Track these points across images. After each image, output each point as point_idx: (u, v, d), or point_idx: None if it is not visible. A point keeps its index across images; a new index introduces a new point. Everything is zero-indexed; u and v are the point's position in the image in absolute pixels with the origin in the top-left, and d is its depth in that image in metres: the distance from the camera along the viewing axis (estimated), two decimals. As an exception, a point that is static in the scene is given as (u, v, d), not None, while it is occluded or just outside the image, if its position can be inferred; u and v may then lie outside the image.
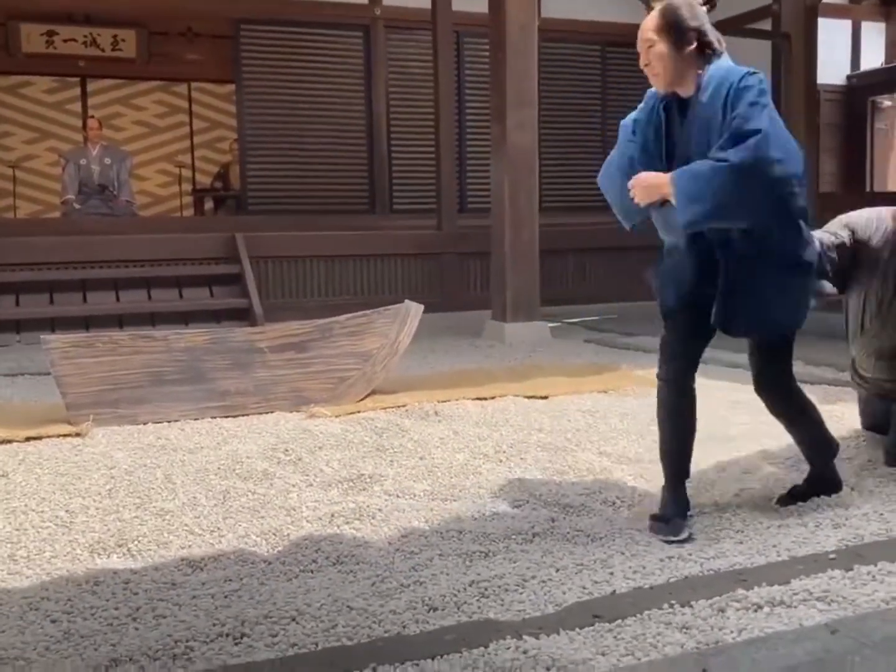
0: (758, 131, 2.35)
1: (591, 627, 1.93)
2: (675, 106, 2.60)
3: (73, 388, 3.98)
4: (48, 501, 2.94)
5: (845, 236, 3.14)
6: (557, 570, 2.26)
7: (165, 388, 4.12)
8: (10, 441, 3.68)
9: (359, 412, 4.16)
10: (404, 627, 1.97)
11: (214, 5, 8.59)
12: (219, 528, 2.72)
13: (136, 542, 2.60)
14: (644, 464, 3.23)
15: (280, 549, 2.56)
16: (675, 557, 2.31)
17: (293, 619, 2.02)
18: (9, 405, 4.55)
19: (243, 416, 4.14)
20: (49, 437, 3.75)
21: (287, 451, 3.52)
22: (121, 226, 7.84)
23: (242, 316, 7.13)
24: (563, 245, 8.43)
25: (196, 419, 4.08)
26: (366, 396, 4.42)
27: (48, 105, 10.72)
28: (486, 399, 4.37)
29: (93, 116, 9.14)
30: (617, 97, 9.78)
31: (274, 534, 2.66)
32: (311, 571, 2.37)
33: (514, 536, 2.57)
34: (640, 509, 2.78)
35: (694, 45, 2.52)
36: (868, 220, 3.19)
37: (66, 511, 2.85)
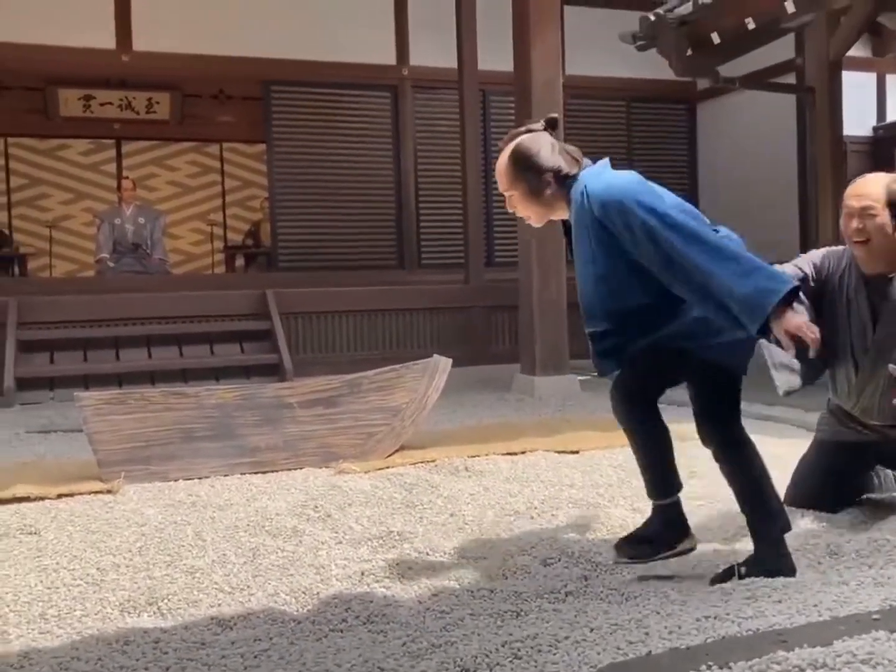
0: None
1: (626, 690, 1.88)
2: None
3: (105, 445, 4.01)
4: (79, 559, 2.95)
5: (808, 271, 3.08)
6: (591, 630, 2.21)
7: (196, 445, 4.14)
8: (42, 498, 3.70)
9: (388, 468, 4.14)
10: (436, 690, 1.94)
11: (245, 68, 8.81)
12: (248, 587, 2.70)
13: (166, 601, 2.58)
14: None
15: (310, 607, 2.53)
16: (711, 617, 2.25)
17: (323, 681, 1.99)
18: (42, 462, 4.59)
19: (273, 472, 4.14)
20: (81, 493, 3.77)
21: (316, 507, 3.51)
22: (154, 284, 7.97)
23: (273, 371, 7.18)
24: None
25: (226, 475, 4.08)
26: (395, 452, 4.40)
27: (84, 166, 11.01)
28: (516, 454, 4.34)
29: (127, 177, 9.36)
30: (643, 151, 9.87)
31: (304, 592, 2.64)
32: (342, 631, 2.34)
33: (546, 595, 2.53)
34: (675, 568, 2.73)
35: (553, 186, 2.51)
36: (824, 255, 3.14)
37: (98, 569, 2.85)
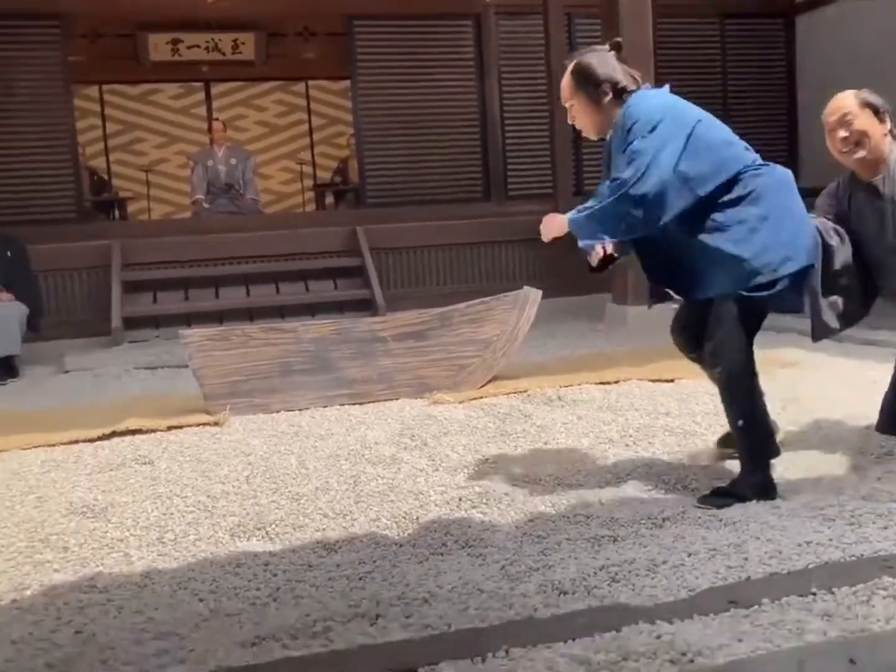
0: (615, 181, 2.57)
1: (727, 613, 1.89)
2: None
3: (210, 380, 4.17)
4: (191, 487, 3.10)
5: (833, 212, 3.07)
6: (689, 555, 2.22)
7: (295, 378, 4.26)
8: (153, 430, 3.89)
9: (481, 398, 4.19)
10: (535, 610, 1.98)
11: (328, 3, 8.75)
12: (351, 512, 2.80)
13: (273, 526, 2.70)
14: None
15: (410, 532, 2.61)
16: (813, 543, 2.23)
17: (426, 601, 2.06)
18: (151, 397, 4.81)
19: (370, 403, 4.24)
20: (189, 426, 3.95)
21: (413, 436, 3.59)
22: (248, 223, 8.12)
23: (365, 306, 7.29)
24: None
25: (325, 406, 4.21)
26: (487, 383, 4.45)
27: (175, 110, 11.21)
28: (609, 383, 4.32)
29: (217, 119, 9.49)
30: (738, 71, 9.44)
31: (404, 517, 2.72)
32: (441, 554, 2.41)
33: (643, 521, 2.54)
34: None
35: (610, 96, 2.68)
36: (825, 196, 3.15)
37: (208, 496, 2.99)
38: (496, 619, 1.96)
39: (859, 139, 2.92)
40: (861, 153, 2.93)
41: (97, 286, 7.10)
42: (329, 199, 11.00)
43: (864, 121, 2.93)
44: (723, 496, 2.65)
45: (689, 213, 2.59)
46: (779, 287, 2.60)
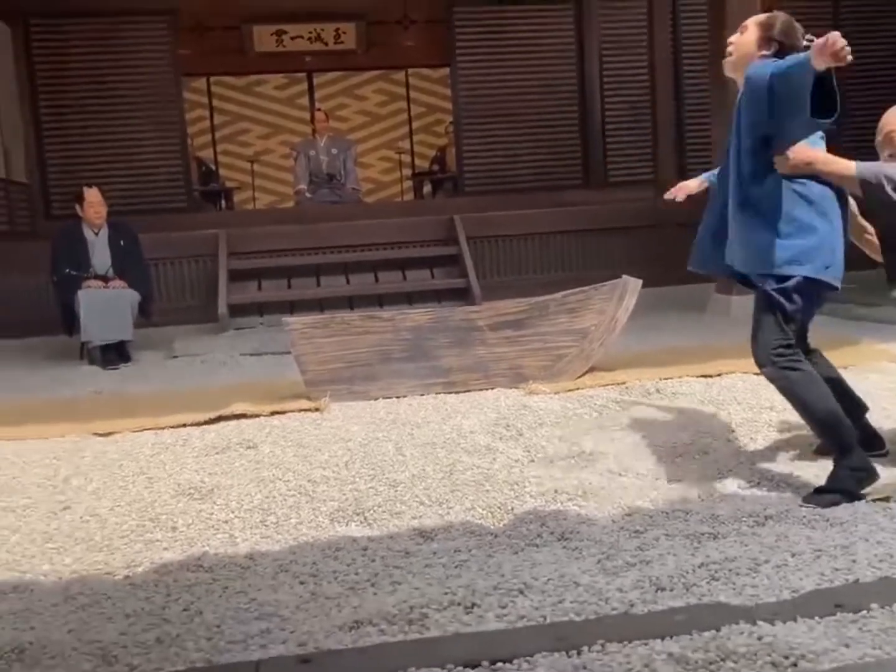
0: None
1: (833, 617, 1.83)
2: None
3: (312, 366, 4.27)
4: (292, 472, 3.18)
5: None
6: (793, 556, 2.15)
7: (393, 366, 4.32)
8: (257, 415, 4.00)
9: (578, 389, 4.16)
10: (632, 606, 1.96)
11: (428, -10, 8.79)
12: (447, 501, 2.82)
13: (371, 511, 2.75)
14: (890, 446, 3.00)
15: (505, 522, 2.62)
16: (927, 547, 2.14)
17: (521, 592, 2.07)
18: (255, 382, 4.96)
19: (465, 392, 4.26)
20: (291, 411, 4.05)
21: (508, 426, 3.59)
22: (348, 212, 8.25)
23: (462, 295, 7.31)
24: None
25: (422, 395, 4.25)
26: (584, 373, 4.41)
27: (279, 101, 11.46)
28: (711, 376, 4.22)
29: (320, 109, 9.65)
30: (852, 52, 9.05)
31: (499, 507, 2.73)
32: (537, 546, 2.41)
33: (744, 518, 2.48)
34: (885, 493, 2.60)
35: (773, 51, 2.65)
36: None
37: (309, 481, 3.07)
38: (592, 612, 1.95)
39: None
40: None
41: (205, 274, 7.35)
42: (427, 188, 11.07)
43: None
44: (827, 493, 2.57)
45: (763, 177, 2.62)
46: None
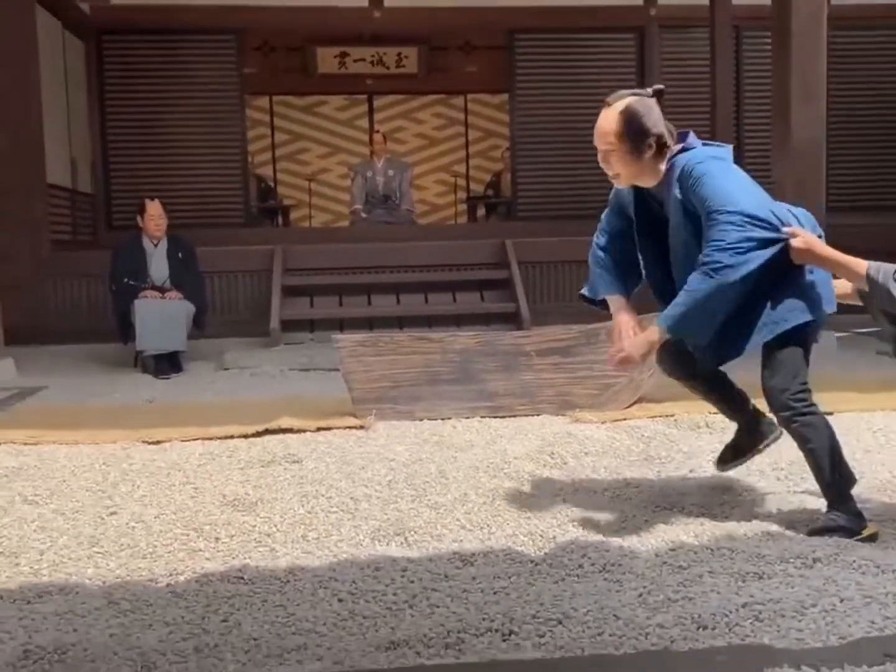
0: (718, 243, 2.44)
1: (881, 667, 1.77)
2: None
3: (359, 384, 4.29)
4: (335, 488, 3.19)
5: None
6: (842, 601, 2.10)
7: (440, 387, 4.32)
8: (303, 431, 4.03)
9: (625, 420, 4.11)
10: (672, 642, 1.93)
11: (491, 17, 8.87)
12: (488, 525, 2.81)
13: (412, 533, 2.75)
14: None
15: (547, 551, 2.59)
16: (983, 599, 2.07)
17: (560, 622, 2.04)
18: (303, 398, 5.00)
19: (510, 417, 4.24)
20: (337, 428, 4.07)
21: (553, 454, 3.57)
22: (402, 233, 8.32)
23: (511, 319, 7.31)
24: (854, 247, 7.77)
25: (467, 417, 4.24)
26: (632, 404, 4.36)
27: (339, 121, 11.63)
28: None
29: (378, 131, 9.77)
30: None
31: (541, 535, 2.70)
32: (578, 576, 2.38)
33: (792, 560, 2.42)
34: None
35: (653, 150, 2.60)
36: None
37: (351, 498, 3.08)
38: (631, 647, 1.92)
39: None
40: None
41: (259, 289, 7.46)
42: (480, 212, 11.12)
43: None
44: (826, 531, 2.58)
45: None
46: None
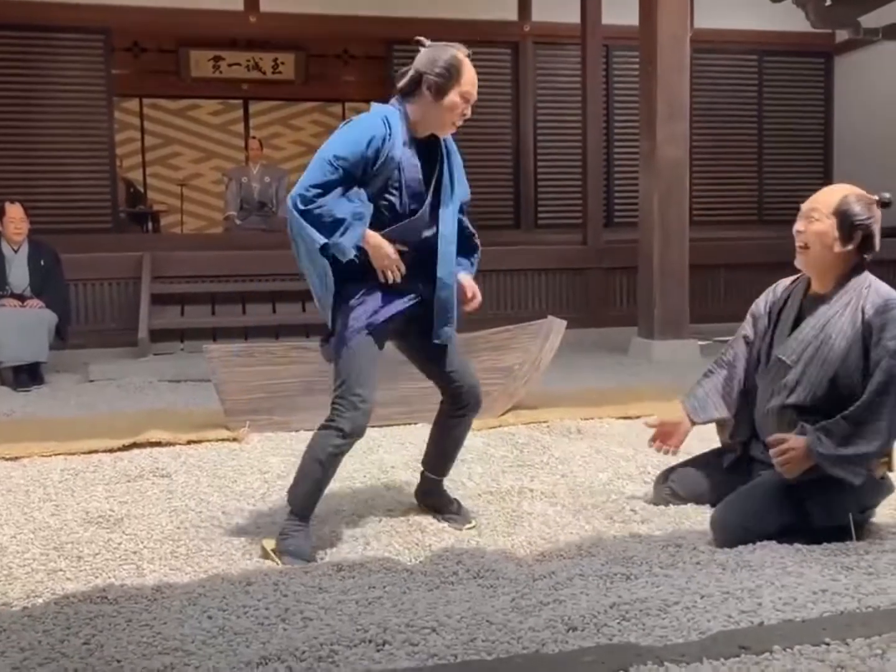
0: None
1: (737, 658, 1.86)
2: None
3: (232, 395, 4.19)
4: (206, 502, 3.11)
5: (748, 331, 2.99)
6: (702, 598, 2.19)
7: (317, 397, 4.25)
8: (173, 444, 3.91)
9: (500, 427, 4.18)
10: (543, 645, 1.96)
11: (369, 27, 8.86)
12: (364, 536, 2.79)
13: (286, 546, 2.69)
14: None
15: (422, 559, 2.60)
16: (829, 591, 2.20)
17: (433, 630, 2.04)
18: (172, 410, 4.84)
19: (388, 426, 4.24)
20: (209, 440, 3.97)
21: (430, 462, 3.57)
22: (278, 241, 8.16)
23: (389, 329, 7.30)
24: (715, 260, 8.19)
25: (344, 428, 4.19)
26: (507, 411, 4.43)
27: (213, 126, 11.37)
28: (631, 418, 4.29)
29: (254, 137, 9.60)
30: (775, 109, 9.44)
31: (416, 544, 2.71)
32: (452, 583, 2.40)
33: (657, 560, 2.52)
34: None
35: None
36: (765, 294, 2.98)
37: (223, 512, 3.00)
38: (503, 651, 1.94)
39: (810, 243, 2.69)
40: (807, 256, 2.72)
41: (126, 297, 7.18)
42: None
43: (826, 227, 2.66)
44: None
45: None
46: None
